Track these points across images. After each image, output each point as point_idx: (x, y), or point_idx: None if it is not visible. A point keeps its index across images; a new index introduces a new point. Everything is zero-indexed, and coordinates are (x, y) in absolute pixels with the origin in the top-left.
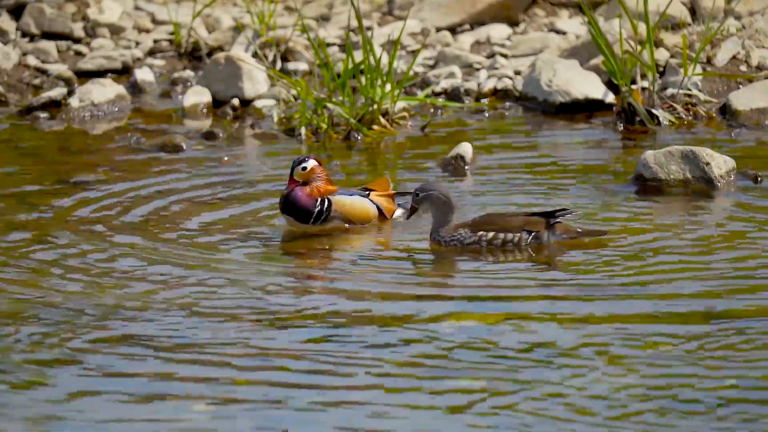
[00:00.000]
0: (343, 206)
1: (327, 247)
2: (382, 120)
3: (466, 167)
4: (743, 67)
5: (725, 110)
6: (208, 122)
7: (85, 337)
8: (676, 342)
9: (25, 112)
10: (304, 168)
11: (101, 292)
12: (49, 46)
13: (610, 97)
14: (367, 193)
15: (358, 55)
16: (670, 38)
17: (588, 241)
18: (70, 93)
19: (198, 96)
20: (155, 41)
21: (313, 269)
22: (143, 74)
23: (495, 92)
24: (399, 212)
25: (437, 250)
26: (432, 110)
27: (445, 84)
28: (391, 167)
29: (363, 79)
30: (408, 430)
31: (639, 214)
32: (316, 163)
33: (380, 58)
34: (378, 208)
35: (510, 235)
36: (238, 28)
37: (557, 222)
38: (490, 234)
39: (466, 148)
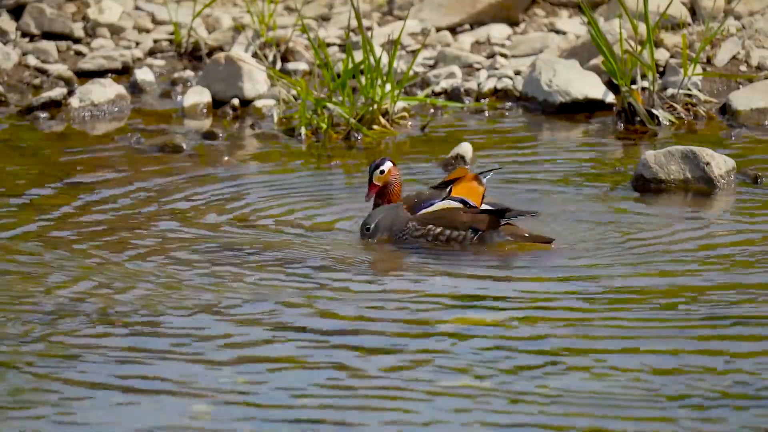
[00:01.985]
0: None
1: (325, 247)
2: (382, 120)
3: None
4: (743, 67)
5: (725, 110)
6: (208, 122)
7: (85, 337)
8: (676, 342)
9: (25, 112)
10: (382, 171)
11: (101, 292)
12: (49, 46)
13: (610, 97)
14: (448, 190)
15: (358, 55)
16: (670, 38)
17: (575, 240)
18: (70, 93)
19: (198, 96)
20: (155, 41)
21: (314, 269)
22: (143, 74)
23: (495, 92)
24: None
25: (433, 246)
26: (432, 110)
27: (445, 84)
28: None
29: (363, 79)
30: (408, 428)
31: (639, 214)
32: (392, 165)
33: (380, 58)
34: (463, 201)
35: (455, 233)
36: (238, 28)
37: (506, 223)
38: (438, 229)
39: (466, 148)
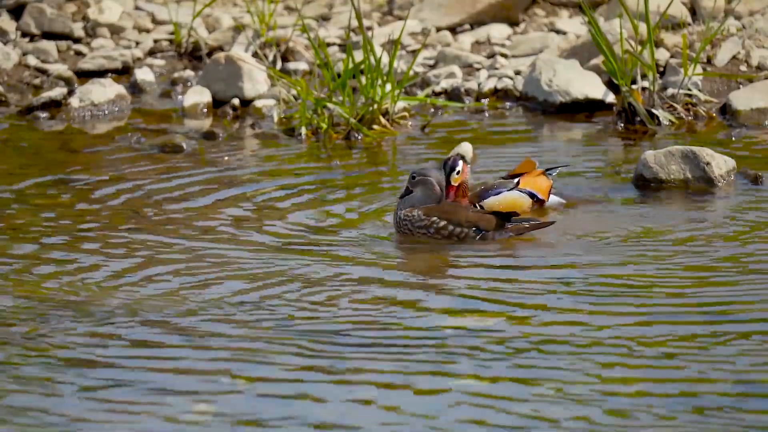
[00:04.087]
0: (494, 208)
1: (326, 245)
2: (382, 120)
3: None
4: (743, 67)
5: (725, 110)
6: (208, 122)
7: (85, 337)
8: (675, 341)
9: (25, 112)
10: (458, 172)
11: (101, 292)
12: (49, 46)
13: (610, 97)
14: (516, 181)
15: (359, 55)
16: (671, 38)
17: (575, 240)
18: (70, 93)
19: (198, 96)
20: (155, 41)
21: (314, 268)
22: (143, 74)
23: (495, 92)
24: (554, 198)
25: (433, 246)
26: (432, 110)
27: (445, 84)
28: (391, 167)
29: (363, 79)
30: (408, 429)
31: (639, 214)
32: (464, 162)
33: (380, 58)
34: (531, 194)
35: (458, 229)
36: (238, 28)
37: (511, 224)
38: (441, 223)
39: (466, 148)
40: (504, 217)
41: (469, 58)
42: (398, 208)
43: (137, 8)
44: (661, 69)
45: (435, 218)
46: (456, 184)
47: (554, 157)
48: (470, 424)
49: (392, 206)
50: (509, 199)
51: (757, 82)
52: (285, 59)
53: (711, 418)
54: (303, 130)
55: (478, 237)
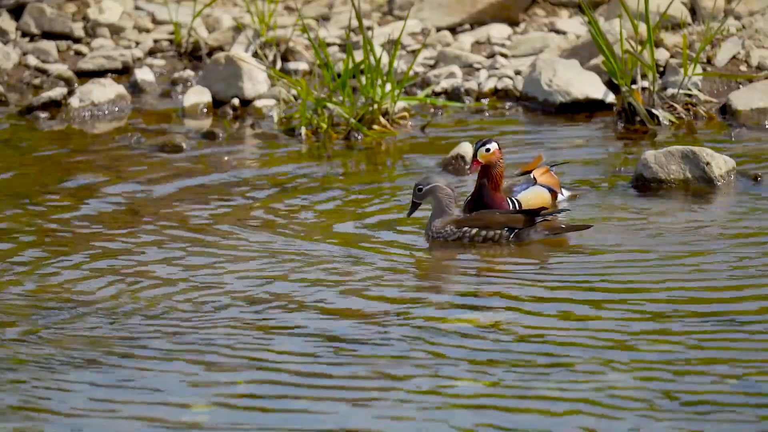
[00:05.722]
0: (527, 203)
1: (326, 246)
2: (382, 120)
3: (467, 167)
4: (743, 67)
5: (725, 110)
6: (208, 122)
7: (84, 337)
8: (675, 341)
9: (25, 112)
10: (488, 150)
11: (100, 292)
12: (49, 46)
13: (610, 97)
14: (533, 177)
15: (359, 55)
16: (671, 38)
17: (576, 240)
18: (71, 93)
19: (198, 96)
20: (155, 41)
21: (314, 268)
22: (143, 74)
23: (495, 92)
24: (565, 193)
25: (435, 246)
26: (432, 110)
27: (445, 84)
28: (391, 167)
29: (363, 79)
30: (407, 429)
31: (639, 214)
32: (498, 147)
33: (380, 58)
34: (550, 189)
35: (491, 233)
36: (238, 28)
37: (542, 220)
38: (473, 230)
39: (466, 148)
40: (532, 214)
41: (469, 58)
42: (428, 227)
43: (137, 8)
44: (661, 69)
45: (466, 228)
46: (482, 161)
47: (554, 157)
48: (470, 426)
49: (392, 205)
50: (536, 193)
51: (757, 82)
52: (285, 59)
53: (715, 418)
54: (303, 130)
55: (511, 236)
